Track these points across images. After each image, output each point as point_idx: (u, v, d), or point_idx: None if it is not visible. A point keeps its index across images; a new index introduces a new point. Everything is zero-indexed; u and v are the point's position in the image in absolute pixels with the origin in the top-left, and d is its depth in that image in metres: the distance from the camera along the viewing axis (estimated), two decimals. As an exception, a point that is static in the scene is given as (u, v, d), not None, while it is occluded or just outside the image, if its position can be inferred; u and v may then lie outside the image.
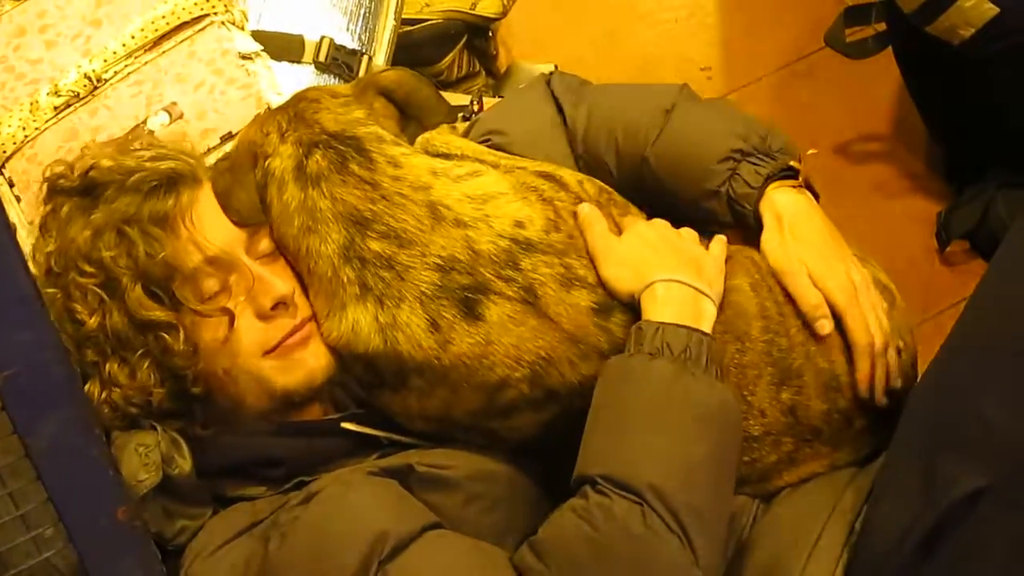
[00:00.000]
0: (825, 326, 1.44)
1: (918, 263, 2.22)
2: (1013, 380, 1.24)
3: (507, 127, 1.62)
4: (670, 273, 1.37)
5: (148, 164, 1.42)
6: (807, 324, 1.45)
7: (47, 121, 1.69)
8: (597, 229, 1.42)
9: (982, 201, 2.17)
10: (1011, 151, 2.10)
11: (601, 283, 1.39)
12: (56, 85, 1.69)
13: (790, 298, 1.47)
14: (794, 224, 1.49)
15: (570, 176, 1.51)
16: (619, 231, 1.44)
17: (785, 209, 1.50)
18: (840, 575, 1.36)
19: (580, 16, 2.68)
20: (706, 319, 1.36)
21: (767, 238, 1.50)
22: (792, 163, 1.53)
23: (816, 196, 1.55)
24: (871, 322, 1.45)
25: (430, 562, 1.27)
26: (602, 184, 1.54)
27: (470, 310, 1.35)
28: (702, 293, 1.37)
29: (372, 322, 1.36)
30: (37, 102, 1.68)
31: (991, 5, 1.88)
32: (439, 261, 1.36)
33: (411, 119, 1.51)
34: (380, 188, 1.38)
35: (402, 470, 1.37)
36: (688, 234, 1.47)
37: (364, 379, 1.42)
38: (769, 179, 1.51)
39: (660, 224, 1.47)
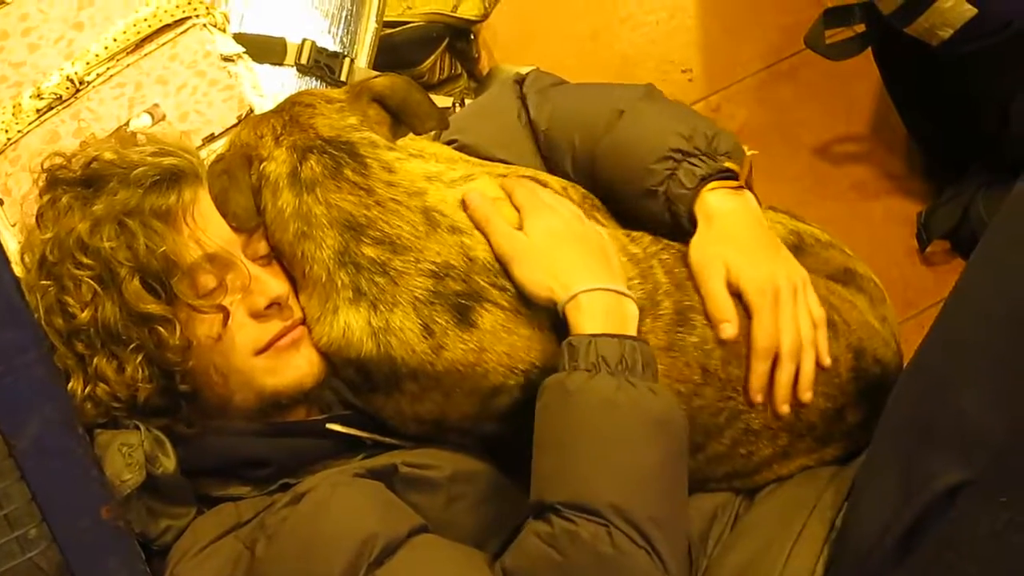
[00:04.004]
0: (726, 330, 1.40)
1: (899, 263, 2.23)
2: (991, 376, 1.25)
3: (475, 127, 1.62)
4: (592, 282, 1.33)
5: (151, 159, 1.42)
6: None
7: (30, 124, 1.69)
8: (498, 225, 1.38)
9: (962, 201, 2.18)
10: (990, 151, 2.12)
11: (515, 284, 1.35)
12: (39, 88, 1.69)
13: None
14: (723, 224, 1.46)
15: (555, 182, 1.51)
16: None
17: (716, 210, 1.47)
18: (821, 570, 1.37)
19: (562, 19, 2.68)
20: (630, 321, 1.33)
21: (695, 238, 1.46)
22: (730, 165, 1.49)
23: (758, 200, 1.51)
24: (784, 325, 1.41)
25: (418, 569, 1.27)
26: (585, 191, 1.54)
27: (463, 316, 1.34)
28: (623, 295, 1.34)
29: (365, 326, 1.35)
30: (20, 105, 1.68)
31: (969, 6, 1.89)
32: (433, 267, 1.35)
33: (404, 125, 1.49)
34: (374, 194, 1.38)
35: (386, 470, 1.36)
36: (578, 212, 1.43)
37: (355, 383, 1.42)
38: (704, 180, 1.47)
39: (563, 209, 1.42)
